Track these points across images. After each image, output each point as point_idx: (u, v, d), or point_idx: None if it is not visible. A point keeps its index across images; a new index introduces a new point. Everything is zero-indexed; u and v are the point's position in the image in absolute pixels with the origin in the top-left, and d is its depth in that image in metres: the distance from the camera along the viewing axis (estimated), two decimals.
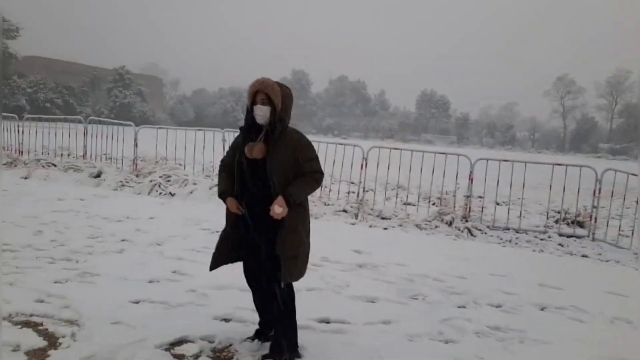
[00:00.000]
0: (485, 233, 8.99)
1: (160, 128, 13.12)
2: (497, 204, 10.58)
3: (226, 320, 3.90)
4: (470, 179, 9.45)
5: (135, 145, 12.39)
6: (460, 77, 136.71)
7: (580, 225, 9.40)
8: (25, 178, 11.90)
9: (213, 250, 3.41)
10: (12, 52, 60.05)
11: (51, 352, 3.23)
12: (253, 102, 3.23)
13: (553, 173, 9.06)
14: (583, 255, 7.92)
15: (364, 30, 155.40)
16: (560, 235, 9.00)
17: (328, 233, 7.36)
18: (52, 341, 3.39)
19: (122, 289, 4.41)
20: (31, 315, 3.76)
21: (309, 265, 5.41)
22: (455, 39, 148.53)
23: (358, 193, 10.16)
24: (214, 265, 3.40)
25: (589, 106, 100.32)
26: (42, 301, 4.04)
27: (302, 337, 3.48)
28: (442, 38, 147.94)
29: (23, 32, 61.73)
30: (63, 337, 3.45)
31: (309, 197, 3.38)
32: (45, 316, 3.76)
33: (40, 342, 3.35)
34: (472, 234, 8.85)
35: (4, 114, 16.18)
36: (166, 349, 3.36)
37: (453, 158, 9.98)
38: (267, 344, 3.40)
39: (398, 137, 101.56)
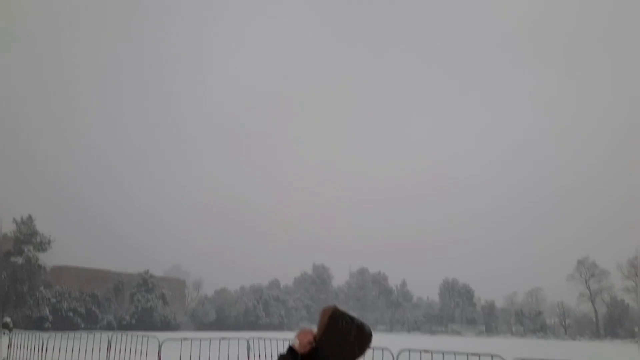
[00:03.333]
0: None
1: (184, 340, 13.00)
2: None
3: None
4: None
5: (159, 359, 12.19)
6: (480, 263, 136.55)
7: None
8: None
9: None
10: (40, 264, 61.97)
11: None
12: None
13: None
14: None
15: (381, 220, 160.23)
16: None
17: None
18: None
19: None
20: None
21: None
22: (471, 225, 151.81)
23: None
24: None
25: (617, 288, 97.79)
26: None
27: None
28: (459, 225, 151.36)
29: (54, 243, 64.41)
30: None
31: None
32: None
33: None
34: None
35: (27, 330, 16.28)
36: None
37: (488, 358, 9.60)
38: None
39: (424, 329, 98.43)
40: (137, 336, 13.58)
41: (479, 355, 9.71)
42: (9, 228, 62.55)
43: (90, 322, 67.38)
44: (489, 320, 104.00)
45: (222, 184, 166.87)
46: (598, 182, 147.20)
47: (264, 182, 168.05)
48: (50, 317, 61.33)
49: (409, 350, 10.21)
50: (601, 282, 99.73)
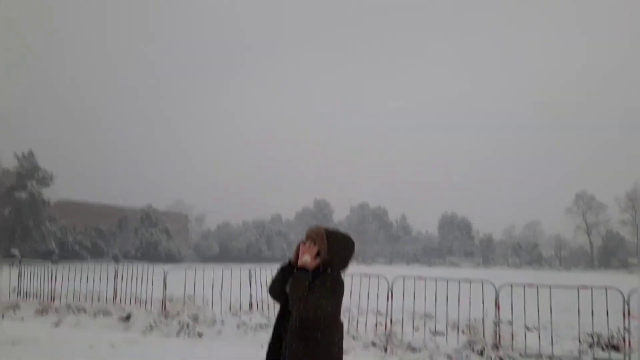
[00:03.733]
0: None
1: (188, 269, 13.50)
2: (527, 328, 10.41)
3: None
4: (497, 306, 9.44)
5: (164, 286, 12.70)
6: (479, 197, 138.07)
7: (616, 348, 9.17)
8: (56, 325, 12.11)
9: None
10: (44, 198, 62.85)
11: None
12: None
13: (579, 296, 9.04)
14: None
15: (381, 154, 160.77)
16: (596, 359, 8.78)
17: None
18: None
19: None
20: None
21: None
22: (471, 159, 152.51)
23: (386, 325, 10.15)
24: None
25: (613, 221, 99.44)
26: None
27: None
28: (459, 159, 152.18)
29: (57, 178, 65.11)
30: None
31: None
32: None
33: None
34: None
35: (35, 259, 16.95)
36: None
37: (479, 284, 10.03)
38: None
39: (423, 261, 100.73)
40: (144, 266, 14.06)
41: (470, 281, 10.14)
42: (10, 163, 63.07)
43: (96, 255, 68.98)
44: (486, 253, 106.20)
45: (225, 120, 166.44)
46: (597, 116, 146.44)
47: (267, 119, 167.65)
48: (57, 251, 62.71)
49: (404, 277, 10.63)
50: (598, 216, 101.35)
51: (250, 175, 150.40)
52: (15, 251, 50.86)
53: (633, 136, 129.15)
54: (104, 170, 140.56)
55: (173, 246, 79.39)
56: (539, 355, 9.00)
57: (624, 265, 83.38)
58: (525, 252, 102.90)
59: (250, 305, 12.52)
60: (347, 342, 9.52)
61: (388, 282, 10.17)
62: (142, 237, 76.79)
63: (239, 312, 12.33)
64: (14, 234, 59.65)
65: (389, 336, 9.63)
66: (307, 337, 3.22)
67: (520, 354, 9.03)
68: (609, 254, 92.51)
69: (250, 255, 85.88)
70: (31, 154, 63.12)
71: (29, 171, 62.18)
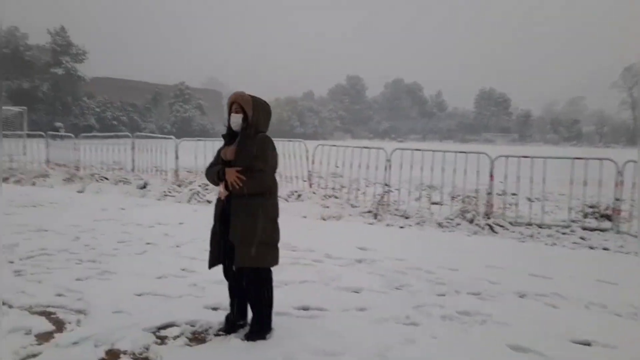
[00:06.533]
0: (507, 229, 9.07)
1: (198, 140, 13.91)
2: (530, 200, 10.57)
3: (214, 309, 4.38)
4: (491, 177, 9.57)
5: (176, 157, 13.21)
6: (521, 73, 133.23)
7: (608, 218, 9.32)
8: (80, 192, 12.93)
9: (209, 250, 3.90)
10: (80, 74, 63.54)
11: (56, 334, 3.82)
12: (230, 111, 3.73)
13: (581, 169, 9.06)
14: (604, 248, 7.90)
15: (418, 32, 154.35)
16: (584, 229, 8.97)
17: (340, 233, 7.77)
18: (59, 326, 3.98)
19: (132, 284, 4.97)
20: (48, 307, 4.37)
21: (307, 262, 5.83)
22: (514, 34, 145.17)
23: (382, 195, 10.48)
24: (211, 264, 3.91)
25: None
26: (60, 295, 4.65)
27: (278, 321, 3.93)
28: (500, 34, 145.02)
29: (90, 55, 65.31)
30: (69, 323, 4.04)
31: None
32: (60, 307, 4.37)
33: (49, 327, 3.95)
34: (493, 231, 8.97)
35: (63, 133, 17.72)
36: (152, 332, 3.87)
37: (476, 156, 10.08)
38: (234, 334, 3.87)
39: (457, 137, 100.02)
40: (158, 139, 14.59)
41: (466, 153, 10.22)
42: (43, 39, 63.32)
43: (133, 130, 70.65)
44: (523, 129, 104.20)
45: None
46: None
47: None
48: (97, 126, 64.43)
49: (402, 150, 10.76)
50: None
51: (282, 53, 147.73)
52: (59, 125, 52.66)
53: None
54: (137, 47, 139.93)
55: (207, 122, 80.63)
56: (529, 224, 9.24)
57: None
58: (564, 128, 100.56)
59: None
60: (345, 210, 9.97)
61: (386, 154, 10.37)
62: (177, 113, 77.99)
63: None
64: (55, 109, 61.42)
65: (379, 204, 9.98)
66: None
67: (511, 223, 9.30)
68: None
69: (282, 131, 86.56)
70: (63, 29, 62.99)
71: (63, 47, 62.42)
